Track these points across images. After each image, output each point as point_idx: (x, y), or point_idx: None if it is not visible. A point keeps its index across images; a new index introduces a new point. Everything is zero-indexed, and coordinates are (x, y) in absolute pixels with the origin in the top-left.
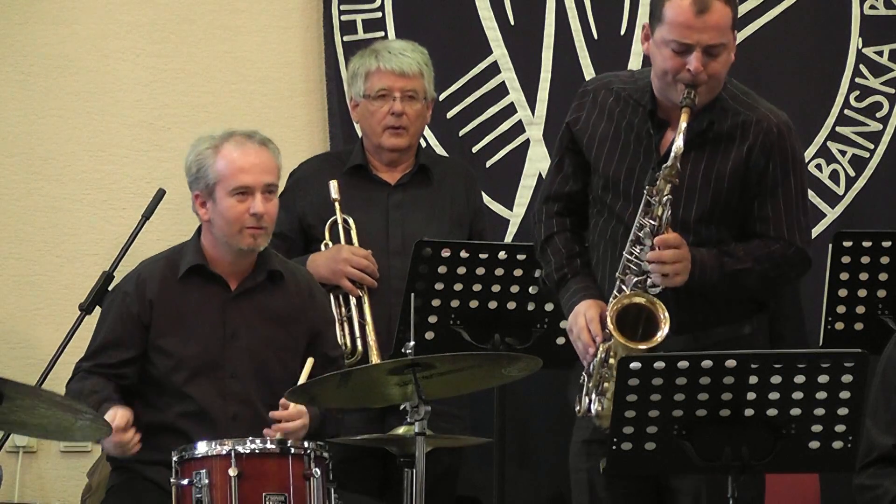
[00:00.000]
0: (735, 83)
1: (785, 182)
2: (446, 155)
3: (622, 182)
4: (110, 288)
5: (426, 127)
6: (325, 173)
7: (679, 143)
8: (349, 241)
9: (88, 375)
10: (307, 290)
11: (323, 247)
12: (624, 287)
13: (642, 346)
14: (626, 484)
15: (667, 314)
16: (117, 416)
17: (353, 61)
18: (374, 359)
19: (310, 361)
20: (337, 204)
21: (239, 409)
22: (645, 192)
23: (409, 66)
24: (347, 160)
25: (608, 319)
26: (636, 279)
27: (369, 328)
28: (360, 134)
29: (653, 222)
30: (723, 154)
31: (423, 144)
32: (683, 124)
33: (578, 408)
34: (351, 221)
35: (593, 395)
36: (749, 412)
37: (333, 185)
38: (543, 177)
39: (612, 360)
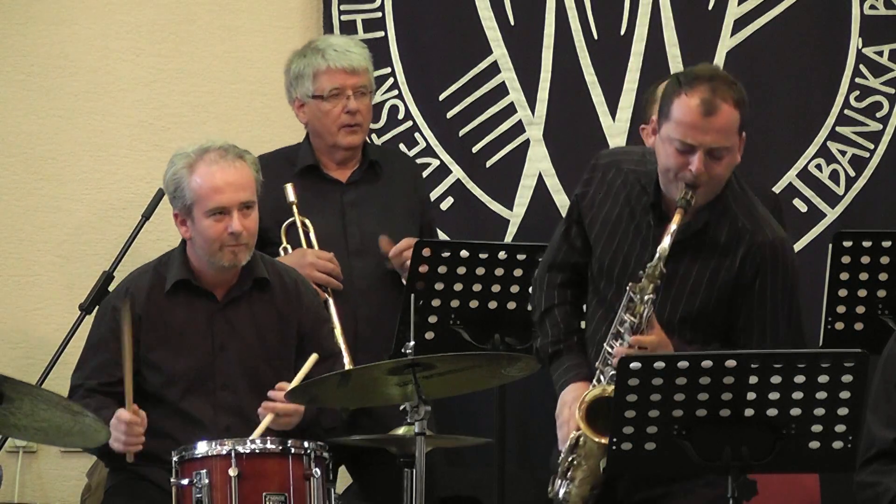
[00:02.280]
0: (741, 182)
1: (772, 301)
2: (393, 147)
3: (616, 270)
4: (110, 289)
5: (425, 126)
6: (274, 175)
7: (665, 245)
8: (309, 243)
9: (91, 394)
10: (294, 292)
11: (282, 251)
12: (602, 377)
13: (606, 441)
14: None
15: None
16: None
17: (293, 62)
18: (346, 359)
19: (313, 357)
20: (294, 207)
21: (232, 420)
22: (628, 288)
23: (357, 62)
24: (295, 160)
25: (576, 412)
26: (612, 372)
27: (338, 330)
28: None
29: (633, 319)
30: (716, 262)
31: (424, 145)
32: (674, 226)
33: (550, 489)
34: (309, 224)
35: (563, 480)
36: (749, 412)
37: (289, 189)
38: (544, 177)
39: (580, 447)
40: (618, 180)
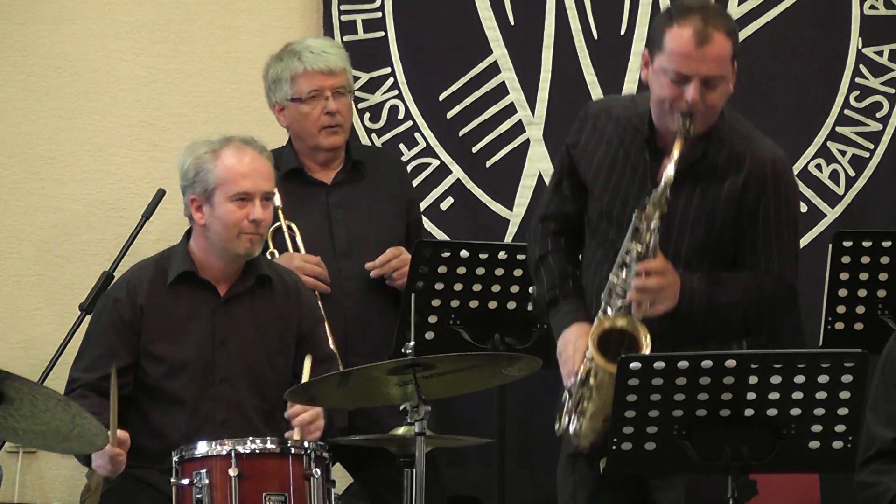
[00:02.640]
0: (735, 113)
1: (777, 218)
2: (377, 146)
3: (616, 210)
4: (113, 282)
5: (425, 126)
6: None
7: (670, 172)
8: (295, 247)
9: (88, 394)
10: (294, 293)
11: (268, 256)
12: (609, 309)
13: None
14: (611, 498)
15: (648, 338)
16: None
17: (271, 66)
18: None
19: (308, 359)
20: (280, 212)
21: (228, 414)
22: (634, 216)
23: (334, 63)
24: (279, 164)
25: (589, 342)
26: (620, 302)
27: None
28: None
29: (640, 247)
30: (716, 188)
31: (424, 145)
32: (676, 153)
33: (558, 426)
34: (295, 227)
35: (572, 415)
36: (749, 412)
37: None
38: (544, 177)
39: (591, 381)
40: (609, 125)
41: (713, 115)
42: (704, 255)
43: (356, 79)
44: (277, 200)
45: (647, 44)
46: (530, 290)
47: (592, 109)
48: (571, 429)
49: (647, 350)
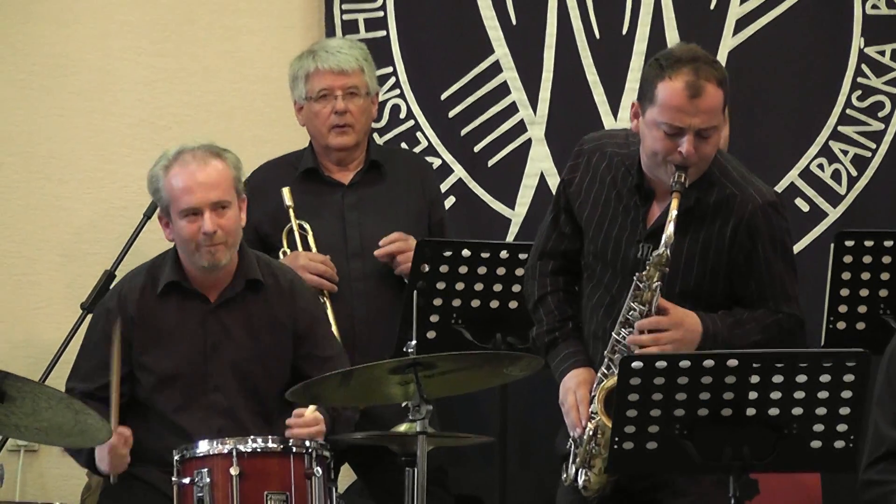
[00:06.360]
0: (727, 156)
1: (777, 260)
2: (404, 147)
3: (609, 253)
4: (111, 288)
5: (427, 125)
6: (277, 180)
7: (670, 232)
8: (306, 247)
9: (86, 400)
10: (289, 293)
11: (280, 255)
12: (613, 366)
13: None
14: None
15: None
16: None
17: (292, 65)
18: None
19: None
20: (291, 211)
21: (223, 422)
22: (635, 278)
23: (346, 62)
24: (299, 164)
25: (596, 401)
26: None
27: (334, 332)
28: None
29: (642, 307)
30: (706, 233)
31: (426, 144)
32: (674, 212)
33: (565, 476)
34: (307, 227)
35: (581, 468)
36: (751, 411)
37: (286, 193)
38: (545, 176)
39: (600, 436)
40: (602, 164)
41: (706, 164)
42: (698, 298)
43: None
44: (288, 200)
45: (638, 95)
46: (523, 279)
47: (587, 146)
48: (580, 481)
49: None
